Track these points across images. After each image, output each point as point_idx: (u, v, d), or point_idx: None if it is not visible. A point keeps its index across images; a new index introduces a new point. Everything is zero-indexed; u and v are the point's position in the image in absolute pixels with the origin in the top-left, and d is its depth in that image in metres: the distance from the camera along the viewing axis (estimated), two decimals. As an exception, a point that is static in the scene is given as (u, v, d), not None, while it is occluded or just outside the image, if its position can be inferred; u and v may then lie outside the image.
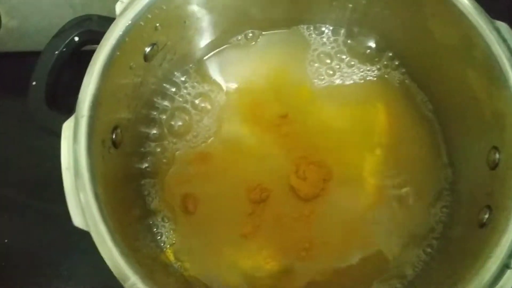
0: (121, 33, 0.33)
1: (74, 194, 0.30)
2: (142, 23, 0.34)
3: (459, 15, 0.34)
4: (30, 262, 0.46)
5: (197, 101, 0.44)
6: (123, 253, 0.29)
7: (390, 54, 0.45)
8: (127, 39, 0.33)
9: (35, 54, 0.44)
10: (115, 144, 0.35)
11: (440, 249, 0.40)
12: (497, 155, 0.34)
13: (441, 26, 0.37)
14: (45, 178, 0.47)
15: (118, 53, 0.33)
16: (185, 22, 0.38)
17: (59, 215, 0.45)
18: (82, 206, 0.29)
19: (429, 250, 0.40)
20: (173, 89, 0.43)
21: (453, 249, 0.38)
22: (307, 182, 0.40)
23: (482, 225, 0.34)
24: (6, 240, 0.46)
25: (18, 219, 0.47)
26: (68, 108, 0.41)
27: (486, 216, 0.34)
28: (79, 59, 0.38)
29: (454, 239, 0.39)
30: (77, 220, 0.29)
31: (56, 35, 0.36)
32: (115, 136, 0.35)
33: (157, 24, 0.36)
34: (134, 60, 0.35)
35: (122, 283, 0.28)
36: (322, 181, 0.41)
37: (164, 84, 0.43)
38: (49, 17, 0.44)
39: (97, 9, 0.43)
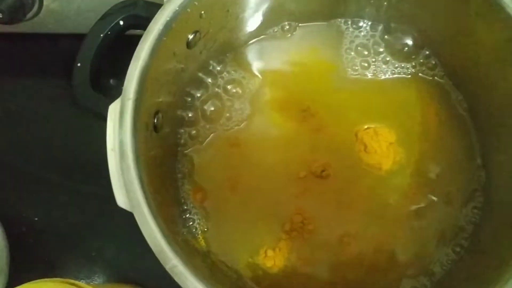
0: (168, 19, 0.33)
1: (118, 175, 0.30)
2: (188, 9, 0.34)
3: (505, 16, 0.34)
4: (59, 241, 0.47)
5: (231, 87, 0.44)
6: (165, 235, 0.29)
7: (427, 52, 0.45)
8: (173, 25, 0.33)
9: (76, 36, 0.45)
10: (156, 128, 0.35)
11: (470, 249, 0.40)
12: (533, 159, 0.34)
13: (485, 26, 0.37)
14: (79, 159, 0.48)
15: (165, 38, 0.33)
16: (228, 10, 0.39)
17: (89, 195, 0.48)
18: (126, 187, 0.30)
19: (458, 249, 0.40)
20: (209, 78, 0.44)
21: (483, 250, 0.38)
22: (378, 154, 0.41)
23: (516, 227, 0.34)
24: (36, 218, 0.47)
25: (49, 198, 0.48)
26: (111, 90, 0.42)
27: (520, 219, 0.34)
28: (120, 43, 0.39)
29: (484, 240, 0.39)
30: (121, 200, 0.30)
31: (102, 18, 0.36)
32: (157, 120, 0.35)
33: (202, 12, 0.36)
34: (178, 47, 0.36)
35: (164, 264, 0.29)
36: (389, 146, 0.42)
37: (200, 72, 0.43)
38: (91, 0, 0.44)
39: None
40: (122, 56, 0.33)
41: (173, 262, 0.29)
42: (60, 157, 0.49)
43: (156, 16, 0.33)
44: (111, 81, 0.46)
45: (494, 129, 0.40)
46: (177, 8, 0.33)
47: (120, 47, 0.37)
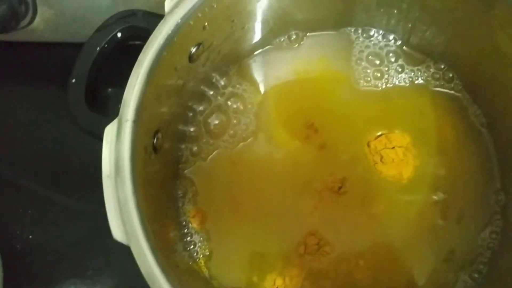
0: (170, 32, 0.31)
1: (114, 204, 0.28)
2: (191, 22, 0.32)
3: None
4: (54, 259, 0.45)
5: (233, 102, 0.42)
6: (164, 271, 0.27)
7: (443, 65, 0.42)
8: (175, 38, 0.31)
9: (71, 45, 0.43)
10: (155, 149, 0.33)
11: (489, 276, 0.37)
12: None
13: (509, 39, 0.34)
14: (73, 174, 0.46)
15: (165, 53, 0.31)
16: (233, 21, 0.36)
17: (85, 213, 0.46)
18: (123, 218, 0.28)
19: (476, 275, 0.38)
20: (212, 92, 0.42)
21: (503, 279, 0.36)
22: (396, 163, 0.39)
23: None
24: (30, 236, 0.45)
25: (43, 215, 0.46)
26: (107, 104, 0.40)
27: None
28: (120, 52, 0.36)
29: (504, 268, 0.37)
30: (117, 233, 0.28)
31: (98, 30, 0.34)
32: (156, 140, 0.33)
33: (206, 23, 0.33)
34: (180, 61, 0.34)
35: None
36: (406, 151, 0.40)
37: (203, 85, 0.41)
38: (85, 8, 0.42)
39: (138, 2, 0.41)
40: (122, 65, 0.31)
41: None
42: (56, 172, 0.47)
43: (156, 29, 0.31)
44: (109, 90, 0.43)
45: (515, 149, 0.38)
46: (179, 21, 0.31)
47: (120, 55, 0.35)
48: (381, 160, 0.40)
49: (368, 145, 0.40)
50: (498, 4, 0.33)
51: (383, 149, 0.40)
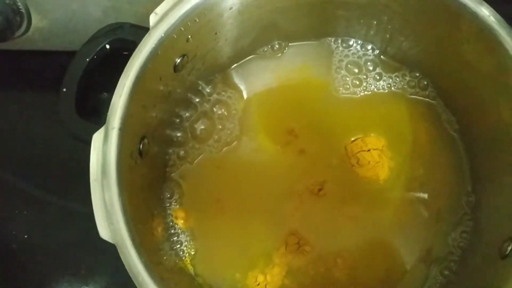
0: (154, 45, 0.33)
1: (101, 206, 0.30)
2: (175, 35, 0.34)
3: (495, 43, 0.34)
4: (49, 259, 0.47)
5: (218, 108, 0.44)
6: (148, 268, 0.29)
7: (417, 74, 0.44)
8: (159, 51, 0.33)
9: (64, 53, 0.45)
10: (141, 154, 0.35)
11: (459, 274, 0.39)
12: (524, 187, 0.34)
13: (475, 52, 0.37)
14: (68, 176, 0.48)
15: (150, 65, 0.33)
16: (216, 33, 0.38)
17: (79, 214, 0.47)
18: (109, 219, 0.30)
19: (447, 272, 0.40)
20: (198, 99, 0.43)
21: (472, 276, 0.38)
22: (371, 165, 0.41)
23: (505, 256, 0.34)
24: (25, 236, 0.47)
25: (39, 216, 0.47)
26: (98, 111, 0.42)
27: (510, 248, 0.33)
28: (108, 62, 0.38)
29: (473, 266, 0.39)
30: (104, 233, 0.30)
31: (88, 42, 0.36)
32: (142, 146, 0.35)
33: (189, 36, 0.36)
34: (164, 71, 0.36)
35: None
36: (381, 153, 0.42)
37: (189, 93, 0.43)
38: (77, 18, 0.44)
39: (127, 14, 0.43)
40: (111, 74, 0.33)
41: (155, 296, 0.29)
42: (51, 174, 0.49)
43: (141, 43, 0.33)
44: (99, 98, 0.45)
45: (485, 155, 0.40)
46: (163, 35, 0.33)
47: (109, 64, 0.37)
48: (357, 163, 0.42)
49: (345, 149, 0.42)
50: (463, 19, 0.35)
51: (359, 152, 0.42)
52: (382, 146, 0.42)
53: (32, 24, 0.44)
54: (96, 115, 0.38)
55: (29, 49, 0.48)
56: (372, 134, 0.43)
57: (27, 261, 0.46)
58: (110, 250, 0.45)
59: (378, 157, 0.42)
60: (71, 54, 0.39)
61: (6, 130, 0.50)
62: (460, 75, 0.40)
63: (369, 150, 0.42)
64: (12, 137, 0.50)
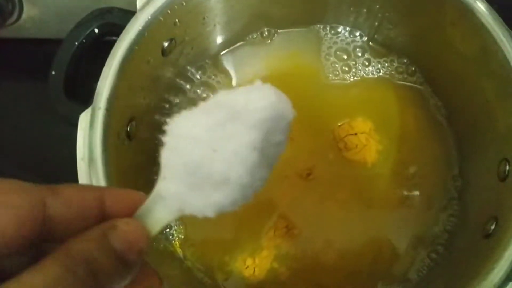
0: (140, 28, 0.33)
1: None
2: (161, 18, 0.34)
3: (479, 26, 0.34)
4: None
5: (207, 94, 0.44)
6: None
7: (405, 60, 0.45)
8: (146, 34, 0.33)
9: (55, 41, 0.45)
10: (129, 136, 0.36)
11: (446, 256, 0.40)
12: (507, 167, 0.34)
13: (459, 36, 0.37)
14: (57, 163, 0.48)
15: (137, 47, 0.33)
16: (204, 18, 0.39)
17: None
18: (95, 197, 0.30)
19: (434, 256, 0.40)
20: (188, 84, 0.44)
21: (458, 258, 0.38)
22: (359, 148, 0.42)
23: (487, 235, 0.34)
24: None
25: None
26: (87, 97, 0.42)
27: (492, 227, 0.34)
28: (98, 48, 0.39)
29: (459, 248, 0.39)
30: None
31: (77, 26, 0.36)
32: (130, 128, 0.35)
33: (176, 20, 0.36)
34: (152, 55, 0.36)
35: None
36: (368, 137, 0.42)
37: (178, 79, 0.43)
38: (68, 6, 0.45)
39: (117, 0, 0.43)
40: (100, 61, 0.33)
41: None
42: (43, 162, 0.49)
43: (128, 25, 0.33)
44: (87, 82, 0.45)
45: (471, 139, 0.40)
46: (149, 17, 0.34)
47: (97, 52, 0.37)
48: (345, 147, 0.42)
49: (333, 133, 0.43)
50: (447, 2, 0.36)
51: (346, 136, 0.42)
52: (369, 130, 0.42)
53: (24, 12, 0.45)
54: (83, 100, 0.39)
55: (21, 37, 0.48)
56: (358, 118, 0.43)
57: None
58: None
59: (365, 140, 0.42)
60: (62, 42, 0.40)
61: (-3, 119, 0.51)
62: (446, 59, 0.41)
63: (356, 134, 0.42)
64: (2, 126, 0.50)
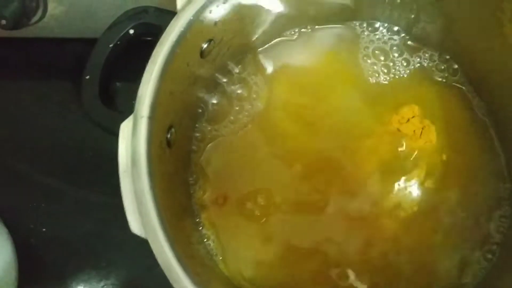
0: (182, 29, 0.31)
1: (132, 198, 0.29)
2: (203, 18, 0.32)
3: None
4: (68, 252, 0.46)
5: (243, 90, 0.42)
6: (181, 262, 0.28)
7: (448, 57, 0.43)
8: (188, 35, 0.31)
9: (80, 41, 0.43)
10: (169, 143, 0.34)
11: (502, 257, 0.38)
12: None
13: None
14: (87, 166, 0.47)
15: (178, 50, 0.31)
16: (244, 17, 0.37)
17: (97, 205, 0.47)
18: (140, 211, 0.28)
19: (489, 256, 0.38)
20: (224, 79, 0.42)
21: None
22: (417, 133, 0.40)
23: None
24: (44, 229, 0.46)
25: (56, 209, 0.47)
26: (120, 99, 0.40)
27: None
28: (132, 48, 0.37)
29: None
30: (135, 227, 0.28)
31: (111, 27, 0.35)
32: (170, 135, 0.34)
33: (217, 20, 0.34)
34: (192, 57, 0.34)
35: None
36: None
37: (216, 75, 0.41)
38: (95, 4, 0.43)
39: (148, -1, 0.41)
40: (134, 60, 0.32)
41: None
42: (68, 165, 0.48)
43: (168, 26, 0.31)
44: (122, 86, 0.44)
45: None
46: (191, 18, 0.31)
47: (132, 51, 0.36)
48: (404, 138, 0.40)
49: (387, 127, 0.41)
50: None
51: (399, 126, 0.40)
52: (417, 112, 0.41)
53: (48, 10, 0.43)
54: (118, 105, 0.37)
55: (45, 36, 0.46)
56: (404, 108, 0.41)
57: (45, 255, 0.46)
58: (130, 242, 0.45)
59: (419, 123, 0.40)
60: (88, 41, 0.38)
61: (21, 121, 0.49)
62: (494, 56, 0.38)
63: (408, 121, 0.40)
64: (27, 128, 0.49)
